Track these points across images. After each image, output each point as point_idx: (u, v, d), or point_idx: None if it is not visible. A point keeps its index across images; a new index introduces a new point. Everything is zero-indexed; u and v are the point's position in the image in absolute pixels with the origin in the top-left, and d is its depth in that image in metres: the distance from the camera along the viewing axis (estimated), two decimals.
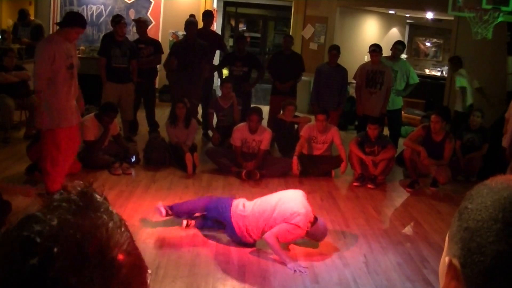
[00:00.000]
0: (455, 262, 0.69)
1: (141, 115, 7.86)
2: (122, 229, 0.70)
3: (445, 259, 0.72)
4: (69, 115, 4.87)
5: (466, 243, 0.67)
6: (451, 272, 0.69)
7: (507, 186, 0.68)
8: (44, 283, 0.61)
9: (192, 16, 8.46)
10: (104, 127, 6.12)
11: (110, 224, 0.68)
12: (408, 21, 13.35)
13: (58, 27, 5.12)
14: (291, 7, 11.02)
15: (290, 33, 10.36)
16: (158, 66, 8.02)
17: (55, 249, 0.62)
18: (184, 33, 7.92)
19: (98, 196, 0.72)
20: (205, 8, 9.77)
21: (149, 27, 8.88)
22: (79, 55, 7.29)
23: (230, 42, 15.02)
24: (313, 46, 10.77)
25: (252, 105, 7.67)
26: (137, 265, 0.69)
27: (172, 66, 7.42)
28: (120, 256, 0.66)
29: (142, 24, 7.79)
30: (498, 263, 0.63)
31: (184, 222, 4.57)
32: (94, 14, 10.43)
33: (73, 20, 4.83)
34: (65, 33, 4.78)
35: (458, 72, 7.65)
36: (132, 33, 9.40)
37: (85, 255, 0.63)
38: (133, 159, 6.28)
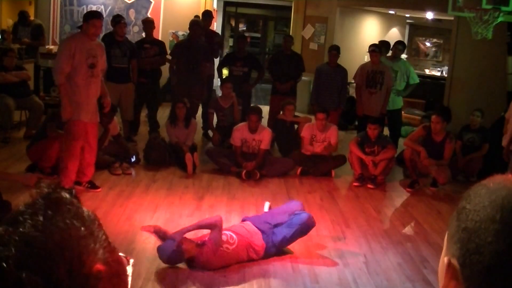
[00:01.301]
0: (454, 262, 0.69)
1: (142, 115, 7.86)
2: (95, 232, 0.67)
3: (444, 259, 0.72)
4: (86, 110, 5.00)
5: (464, 243, 0.68)
6: (450, 272, 0.70)
7: (504, 186, 0.68)
8: None
9: (196, 17, 8.47)
10: (104, 127, 6.12)
11: (82, 232, 0.65)
12: (408, 21, 13.34)
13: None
14: (291, 7, 11.02)
15: (290, 33, 10.37)
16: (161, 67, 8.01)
17: (24, 275, 0.60)
18: (184, 33, 7.91)
19: (65, 196, 0.68)
20: (205, 8, 9.76)
21: None
22: None
23: (230, 42, 15.02)
24: (313, 46, 10.77)
25: (251, 105, 7.67)
26: (116, 273, 0.67)
27: (172, 65, 7.51)
28: (98, 267, 0.64)
29: (149, 24, 7.81)
30: (497, 263, 0.64)
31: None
32: None
33: (87, 15, 5.10)
34: (85, 30, 4.96)
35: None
36: (132, 33, 9.40)
37: (56, 277, 0.61)
38: (133, 159, 6.28)
